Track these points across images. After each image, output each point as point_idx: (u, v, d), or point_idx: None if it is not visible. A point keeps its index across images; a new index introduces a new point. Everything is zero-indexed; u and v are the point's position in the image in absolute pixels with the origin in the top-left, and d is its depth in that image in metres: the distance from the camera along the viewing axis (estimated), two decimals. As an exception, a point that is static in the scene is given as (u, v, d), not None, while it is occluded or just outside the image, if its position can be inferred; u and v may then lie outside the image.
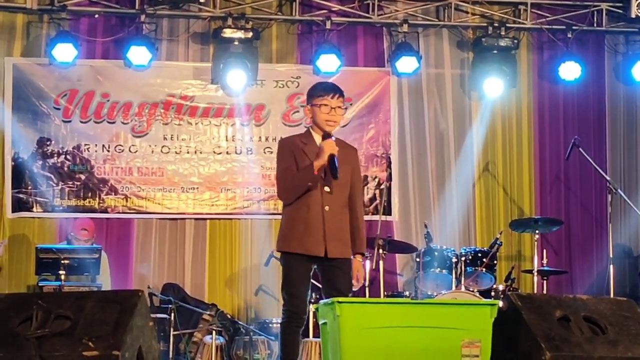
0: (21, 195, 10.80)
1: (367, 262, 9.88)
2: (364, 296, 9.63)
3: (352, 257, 6.71)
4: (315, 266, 6.68)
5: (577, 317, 5.91)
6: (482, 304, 6.43)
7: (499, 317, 5.82)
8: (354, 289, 6.73)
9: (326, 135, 6.52)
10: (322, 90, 6.69)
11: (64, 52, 10.63)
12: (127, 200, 11.00)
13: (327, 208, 6.58)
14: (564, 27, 11.48)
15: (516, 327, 5.82)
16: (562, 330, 5.78)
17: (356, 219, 6.74)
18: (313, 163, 6.45)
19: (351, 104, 11.21)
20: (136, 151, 11.05)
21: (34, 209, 10.84)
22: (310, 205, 6.58)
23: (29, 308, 5.48)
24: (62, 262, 9.00)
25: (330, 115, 6.59)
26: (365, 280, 9.97)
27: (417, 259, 10.17)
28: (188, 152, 11.13)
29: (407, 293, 10.32)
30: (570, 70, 11.34)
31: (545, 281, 10.26)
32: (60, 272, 8.98)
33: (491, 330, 5.79)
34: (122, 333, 5.30)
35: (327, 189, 6.58)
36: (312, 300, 8.78)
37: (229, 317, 10.44)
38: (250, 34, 10.95)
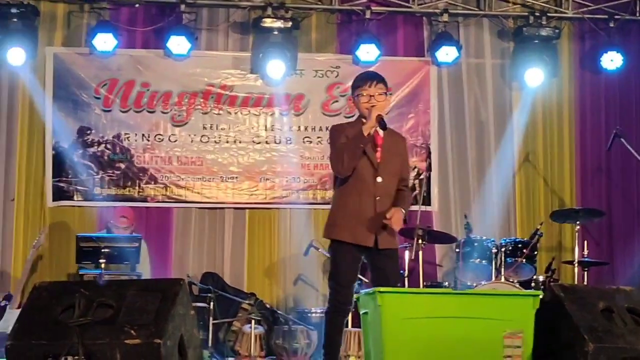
0: (62, 184, 10.85)
1: (407, 253, 9.86)
2: (404, 287, 9.60)
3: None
4: (363, 256, 6.72)
5: (621, 309, 5.87)
6: (524, 294, 6.40)
7: (541, 308, 5.79)
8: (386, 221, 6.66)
9: (381, 121, 6.62)
10: (361, 80, 6.83)
11: (105, 41, 10.67)
12: (166, 190, 11.03)
13: (378, 198, 6.67)
14: (606, 16, 11.37)
15: (559, 318, 5.79)
16: (605, 322, 5.74)
17: (402, 191, 6.82)
18: (362, 129, 6.58)
19: (391, 94, 11.11)
20: (176, 140, 11.07)
21: (75, 198, 10.88)
22: (362, 195, 6.67)
23: (72, 296, 5.51)
24: (103, 250, 9.05)
25: (370, 103, 6.69)
26: (404, 270, 9.98)
27: (457, 250, 10.12)
28: (227, 142, 11.13)
29: (446, 283, 10.29)
30: (612, 60, 11.23)
31: (585, 272, 10.18)
32: (101, 260, 9.03)
33: (533, 321, 5.77)
34: (164, 321, 5.32)
35: (379, 179, 6.65)
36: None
37: (268, 306, 10.43)
38: (289, 24, 10.93)
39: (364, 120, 6.69)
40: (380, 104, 6.69)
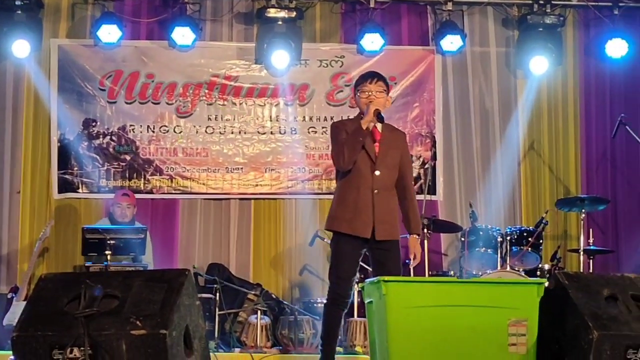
0: (67, 177, 10.87)
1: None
2: (409, 275, 9.60)
3: (408, 236, 7.08)
4: (365, 249, 6.85)
5: (625, 296, 5.88)
6: (529, 282, 6.41)
7: (546, 296, 5.80)
8: (411, 266, 7.12)
9: (379, 115, 6.87)
10: (362, 77, 7.13)
11: (109, 33, 10.68)
12: (172, 181, 11.04)
13: (376, 191, 6.90)
14: (610, 3, 11.32)
15: (563, 306, 5.80)
16: (609, 309, 5.75)
17: (411, 200, 7.12)
18: (361, 123, 6.83)
19: (395, 83, 11.13)
20: (181, 132, 11.08)
21: (80, 190, 10.90)
22: (360, 188, 6.90)
23: (78, 287, 5.53)
24: (108, 242, 9.04)
25: (368, 99, 6.95)
26: (410, 259, 9.98)
27: (462, 239, 10.14)
28: (232, 133, 11.14)
29: (451, 272, 10.31)
30: (616, 47, 11.18)
31: (591, 260, 10.19)
32: (107, 252, 9.03)
33: (538, 309, 5.77)
34: (170, 312, 5.34)
35: (377, 172, 6.90)
36: (357, 280, 8.80)
37: (274, 296, 10.44)
38: (293, 14, 10.92)
39: (362, 116, 6.89)
40: (378, 100, 6.92)
